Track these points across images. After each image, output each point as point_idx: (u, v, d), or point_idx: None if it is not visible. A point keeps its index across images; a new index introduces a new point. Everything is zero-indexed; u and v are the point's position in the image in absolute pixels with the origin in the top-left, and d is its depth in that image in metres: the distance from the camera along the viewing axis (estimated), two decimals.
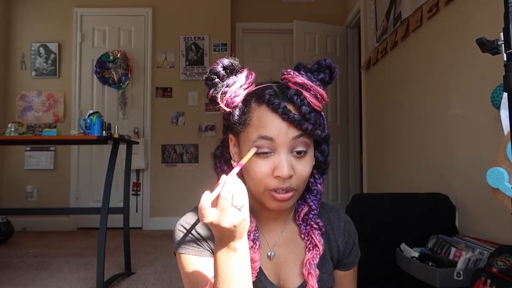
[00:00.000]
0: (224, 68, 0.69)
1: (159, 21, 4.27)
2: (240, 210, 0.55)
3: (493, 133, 1.65)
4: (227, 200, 0.54)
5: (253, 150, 0.65)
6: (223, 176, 0.58)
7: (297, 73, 0.68)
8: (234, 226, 0.55)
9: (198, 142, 4.19)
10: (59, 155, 4.13)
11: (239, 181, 0.57)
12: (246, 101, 0.70)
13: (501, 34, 0.72)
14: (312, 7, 4.52)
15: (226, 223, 0.54)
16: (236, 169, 0.60)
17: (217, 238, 0.59)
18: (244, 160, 0.64)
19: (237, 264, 0.59)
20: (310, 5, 4.52)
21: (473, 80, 1.83)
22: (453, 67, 2.01)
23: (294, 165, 0.67)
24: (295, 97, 0.66)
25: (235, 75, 0.70)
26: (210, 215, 0.54)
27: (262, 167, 0.66)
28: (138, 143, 2.91)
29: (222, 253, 0.59)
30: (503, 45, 0.72)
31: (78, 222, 4.09)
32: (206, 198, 0.54)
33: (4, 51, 4.14)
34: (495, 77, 1.53)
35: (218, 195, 0.55)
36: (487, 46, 0.74)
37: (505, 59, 0.71)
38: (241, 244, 0.59)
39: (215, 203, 0.56)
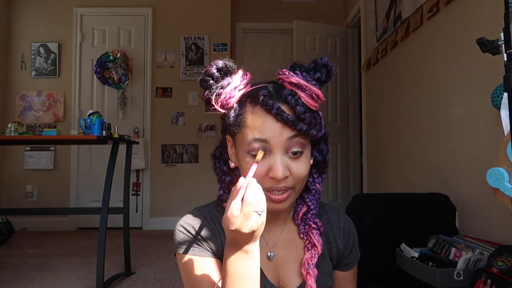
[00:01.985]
0: (218, 69, 0.69)
1: (159, 21, 4.27)
2: (260, 215, 0.55)
3: (493, 133, 1.65)
4: (251, 206, 0.54)
5: (262, 152, 0.65)
6: (242, 179, 0.57)
7: (292, 73, 0.68)
8: (253, 231, 0.55)
9: (198, 142, 4.19)
10: (59, 155, 4.13)
11: (258, 185, 0.57)
12: (241, 102, 0.69)
13: (501, 34, 0.72)
14: (312, 7, 4.51)
15: (247, 228, 0.54)
16: (252, 171, 0.59)
17: (230, 241, 0.59)
18: (258, 157, 0.63)
19: (249, 266, 0.59)
20: (310, 5, 4.52)
21: (473, 80, 1.83)
22: (453, 67, 2.01)
23: (289, 165, 0.67)
24: (290, 97, 0.66)
25: (230, 76, 0.69)
26: (237, 222, 0.54)
27: (257, 168, 0.66)
28: (138, 143, 2.90)
29: (234, 256, 0.59)
30: (503, 45, 0.72)
31: (78, 222, 4.09)
32: (237, 206, 0.54)
33: (4, 51, 4.14)
34: (495, 77, 1.53)
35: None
36: (487, 46, 0.74)
37: (505, 59, 0.71)
38: (254, 247, 0.59)
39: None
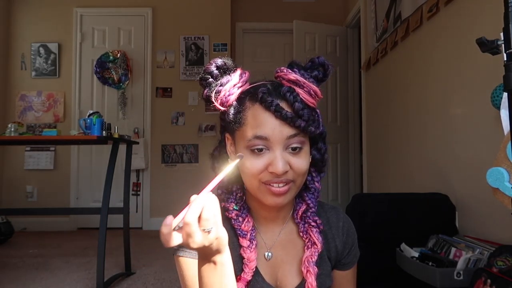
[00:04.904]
0: (218, 67, 0.70)
1: (159, 21, 4.27)
2: (209, 233, 0.54)
3: (493, 133, 1.65)
4: (190, 226, 0.52)
5: (235, 161, 0.63)
6: (194, 196, 0.55)
7: (290, 70, 0.68)
8: (205, 246, 0.54)
9: (198, 142, 4.19)
10: (59, 155, 4.13)
11: (211, 199, 0.54)
12: (240, 99, 0.70)
13: (501, 34, 0.72)
14: (312, 7, 4.51)
15: (195, 245, 0.53)
16: (209, 186, 0.57)
17: (197, 253, 0.60)
18: (223, 172, 0.59)
19: (219, 277, 0.60)
20: (310, 5, 4.52)
21: (473, 80, 1.83)
22: (453, 67, 2.01)
23: (290, 160, 0.67)
24: (288, 94, 0.67)
25: (229, 75, 0.70)
26: (174, 239, 0.53)
27: (256, 163, 0.66)
28: (138, 143, 2.90)
29: (204, 267, 0.60)
30: (503, 45, 0.72)
31: (78, 222, 4.09)
32: (167, 223, 0.52)
33: (4, 51, 4.14)
34: (495, 77, 1.53)
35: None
36: (487, 46, 0.74)
37: (505, 59, 0.71)
38: (222, 258, 0.59)
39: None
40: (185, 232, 0.53)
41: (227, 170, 0.60)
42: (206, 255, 0.58)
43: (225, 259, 0.60)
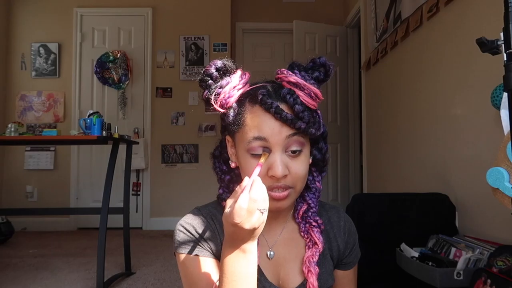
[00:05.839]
0: (217, 69, 0.69)
1: (159, 21, 4.27)
2: (262, 214, 0.56)
3: (493, 133, 1.65)
4: (256, 203, 0.54)
5: (266, 154, 0.66)
6: (246, 178, 0.58)
7: (290, 72, 0.68)
8: (254, 229, 0.56)
9: (198, 142, 4.19)
10: (59, 155, 4.13)
11: (263, 184, 0.57)
12: (240, 101, 0.70)
13: (501, 34, 0.72)
14: (312, 7, 4.51)
15: (249, 225, 0.55)
16: (257, 171, 0.60)
17: (229, 238, 0.59)
18: (262, 160, 0.64)
19: (246, 265, 0.59)
20: (310, 5, 4.52)
21: (473, 80, 1.83)
22: (453, 67, 2.01)
23: (288, 164, 0.67)
24: (288, 96, 0.66)
25: (229, 76, 0.70)
26: (243, 216, 0.54)
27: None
28: (138, 143, 2.90)
29: (232, 254, 0.59)
30: (503, 45, 0.72)
31: (78, 222, 4.09)
32: (244, 200, 0.54)
33: (4, 51, 4.14)
34: (495, 77, 1.53)
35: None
36: (487, 46, 0.74)
37: (505, 59, 0.71)
38: (252, 247, 0.59)
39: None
40: (248, 209, 0.54)
41: (262, 160, 0.65)
42: (239, 241, 0.58)
43: (254, 247, 0.60)
